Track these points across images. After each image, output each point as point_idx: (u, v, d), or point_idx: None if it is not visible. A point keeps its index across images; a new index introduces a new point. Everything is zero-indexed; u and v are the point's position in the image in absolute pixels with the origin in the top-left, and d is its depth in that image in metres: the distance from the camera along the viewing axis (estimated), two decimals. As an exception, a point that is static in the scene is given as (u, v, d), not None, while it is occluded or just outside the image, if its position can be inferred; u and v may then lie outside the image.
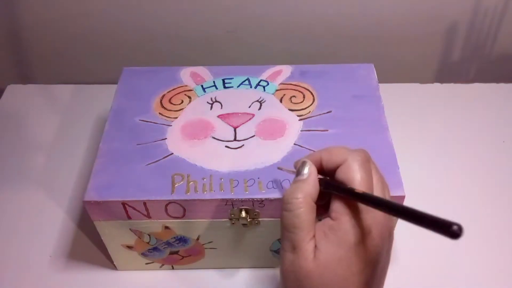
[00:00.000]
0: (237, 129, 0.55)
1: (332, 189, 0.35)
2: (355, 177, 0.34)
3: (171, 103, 0.58)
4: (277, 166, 0.50)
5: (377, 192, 0.35)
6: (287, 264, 0.34)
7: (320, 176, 0.37)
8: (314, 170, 0.36)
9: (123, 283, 0.57)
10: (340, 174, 0.35)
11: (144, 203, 0.49)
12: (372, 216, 0.33)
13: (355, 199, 0.33)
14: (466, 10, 0.78)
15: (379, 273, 0.35)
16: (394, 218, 0.34)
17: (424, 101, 0.77)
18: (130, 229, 0.52)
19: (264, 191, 0.49)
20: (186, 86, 0.60)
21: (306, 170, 0.36)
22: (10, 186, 0.67)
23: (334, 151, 0.36)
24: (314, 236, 0.34)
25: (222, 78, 0.61)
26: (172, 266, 0.58)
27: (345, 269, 0.33)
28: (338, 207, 0.34)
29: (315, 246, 0.34)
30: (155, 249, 0.55)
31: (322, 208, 0.36)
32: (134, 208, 0.49)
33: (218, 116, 0.56)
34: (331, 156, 0.36)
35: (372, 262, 0.33)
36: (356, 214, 0.33)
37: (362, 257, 0.33)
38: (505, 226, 0.61)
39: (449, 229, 0.24)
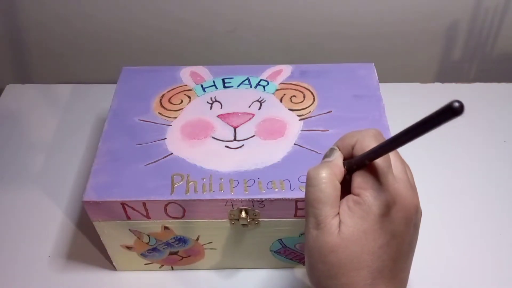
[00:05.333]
0: (237, 129, 0.54)
1: (353, 165, 0.35)
2: (370, 146, 0.33)
3: (171, 103, 0.58)
4: (277, 166, 0.50)
5: (396, 162, 0.35)
6: (311, 240, 0.34)
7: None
8: (340, 155, 0.36)
9: (122, 283, 0.57)
10: (356, 151, 0.34)
11: (144, 203, 0.49)
12: (394, 188, 0.32)
13: (376, 157, 0.32)
14: (467, 9, 0.78)
15: (406, 247, 0.34)
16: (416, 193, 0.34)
17: (425, 101, 0.77)
18: (129, 229, 0.52)
19: (264, 191, 0.48)
20: (186, 85, 0.60)
21: (332, 155, 0.36)
22: (8, 186, 0.67)
23: (345, 136, 0.36)
24: (338, 213, 0.33)
25: (222, 77, 0.61)
26: (172, 267, 0.58)
27: (370, 242, 0.32)
28: (359, 183, 0.33)
29: (340, 221, 0.33)
30: (154, 249, 0.55)
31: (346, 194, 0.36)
32: (133, 208, 0.49)
33: (218, 116, 0.56)
34: (344, 141, 0.36)
35: (399, 235, 0.33)
36: (378, 187, 0.33)
37: (388, 229, 0.32)
38: (506, 226, 0.61)
39: (451, 108, 0.25)
